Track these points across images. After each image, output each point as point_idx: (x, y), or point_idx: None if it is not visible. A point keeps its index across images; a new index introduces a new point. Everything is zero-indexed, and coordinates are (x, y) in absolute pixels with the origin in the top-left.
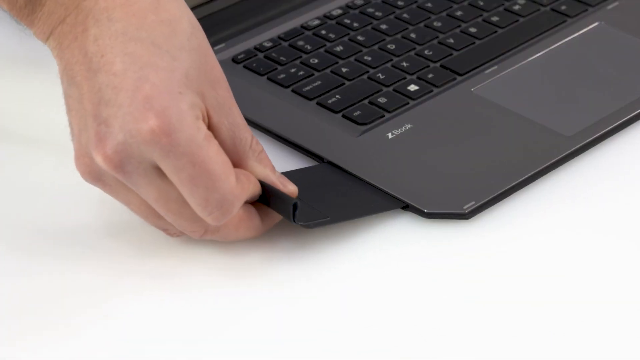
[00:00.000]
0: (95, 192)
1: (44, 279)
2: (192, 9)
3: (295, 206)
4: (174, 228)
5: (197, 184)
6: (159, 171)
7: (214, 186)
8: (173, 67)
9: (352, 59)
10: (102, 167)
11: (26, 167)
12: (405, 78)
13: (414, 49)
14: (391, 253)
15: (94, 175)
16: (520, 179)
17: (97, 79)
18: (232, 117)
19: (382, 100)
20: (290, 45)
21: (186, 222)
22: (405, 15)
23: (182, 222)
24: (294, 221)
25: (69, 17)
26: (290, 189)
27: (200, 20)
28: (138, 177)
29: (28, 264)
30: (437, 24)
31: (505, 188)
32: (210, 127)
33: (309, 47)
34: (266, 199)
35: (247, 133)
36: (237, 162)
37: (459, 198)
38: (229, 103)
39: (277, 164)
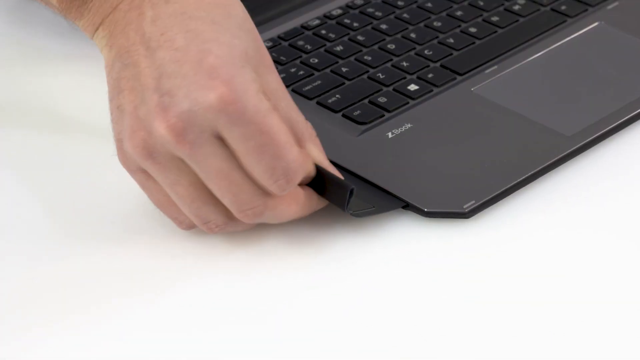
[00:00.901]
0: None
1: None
2: None
3: (351, 192)
4: (217, 220)
5: (264, 151)
6: (220, 141)
7: (280, 154)
8: (234, 43)
9: (352, 58)
10: (163, 136)
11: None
12: (405, 78)
13: (414, 48)
14: (391, 252)
15: (147, 150)
16: (520, 179)
17: (157, 55)
18: (287, 101)
19: (382, 100)
20: (290, 45)
21: (246, 196)
22: (405, 15)
23: (242, 197)
24: (346, 208)
25: (122, 3)
26: (339, 175)
27: None
28: (200, 147)
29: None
30: (437, 23)
31: (505, 187)
32: None
33: (309, 47)
34: (319, 183)
35: (301, 117)
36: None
37: (459, 197)
38: (282, 87)
39: None
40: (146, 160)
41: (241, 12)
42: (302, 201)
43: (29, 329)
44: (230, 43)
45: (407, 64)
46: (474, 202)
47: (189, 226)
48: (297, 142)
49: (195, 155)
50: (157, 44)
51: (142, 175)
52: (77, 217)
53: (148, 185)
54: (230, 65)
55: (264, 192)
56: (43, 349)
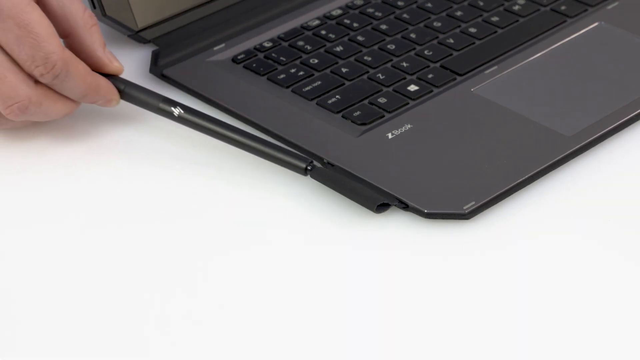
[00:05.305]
0: None
1: None
2: (193, 9)
3: (382, 205)
4: None
5: (23, 42)
6: None
7: (39, 45)
8: None
9: (352, 59)
10: None
11: None
12: (405, 78)
13: (414, 49)
14: (391, 253)
15: None
16: (520, 179)
17: None
18: None
19: (382, 100)
20: (290, 45)
21: (9, 89)
22: (405, 15)
23: (5, 89)
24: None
25: None
26: (116, 65)
27: (200, 20)
28: None
29: None
30: (437, 24)
31: (505, 188)
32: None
33: (309, 47)
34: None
35: (77, 5)
36: (68, 32)
37: (459, 198)
38: None
39: (271, 162)
40: None
41: None
42: (66, 99)
43: None
44: None
45: (407, 64)
46: (474, 203)
47: None
48: (69, 33)
49: None
50: None
51: None
52: None
53: None
54: None
55: (29, 88)
56: None
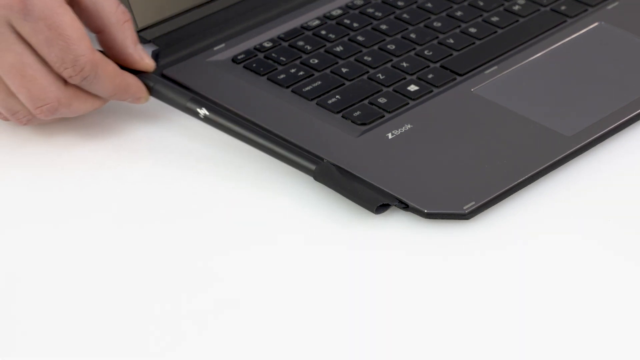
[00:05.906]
0: None
1: None
2: (193, 9)
3: (382, 206)
4: (23, 111)
5: (53, 44)
6: (17, 36)
7: (68, 47)
8: None
9: (352, 59)
10: None
11: None
12: (405, 78)
13: (414, 49)
14: (391, 253)
15: None
16: (520, 179)
17: None
18: None
19: (382, 100)
20: (290, 45)
21: (39, 91)
22: (405, 15)
23: (35, 91)
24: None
25: None
26: (147, 62)
27: (200, 20)
28: None
29: None
30: (437, 24)
31: (505, 188)
32: None
33: (309, 47)
34: (345, 187)
35: (110, 1)
36: (100, 28)
37: (459, 198)
38: None
39: (276, 163)
40: None
41: None
42: (95, 97)
43: None
44: None
45: (407, 64)
46: (474, 203)
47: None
48: (102, 29)
49: None
50: None
51: None
52: None
53: None
54: None
55: (58, 90)
56: None
